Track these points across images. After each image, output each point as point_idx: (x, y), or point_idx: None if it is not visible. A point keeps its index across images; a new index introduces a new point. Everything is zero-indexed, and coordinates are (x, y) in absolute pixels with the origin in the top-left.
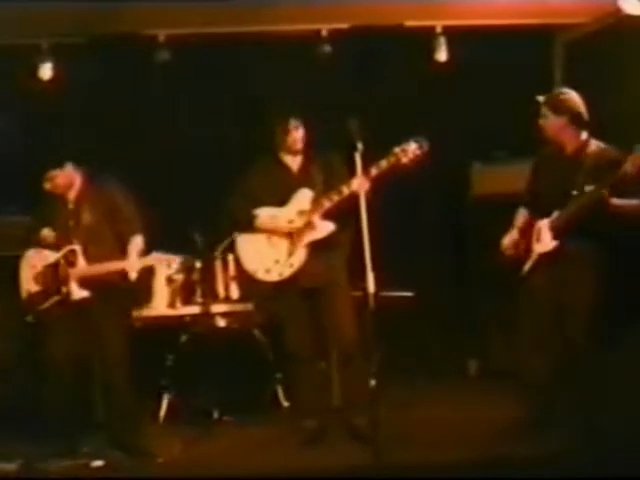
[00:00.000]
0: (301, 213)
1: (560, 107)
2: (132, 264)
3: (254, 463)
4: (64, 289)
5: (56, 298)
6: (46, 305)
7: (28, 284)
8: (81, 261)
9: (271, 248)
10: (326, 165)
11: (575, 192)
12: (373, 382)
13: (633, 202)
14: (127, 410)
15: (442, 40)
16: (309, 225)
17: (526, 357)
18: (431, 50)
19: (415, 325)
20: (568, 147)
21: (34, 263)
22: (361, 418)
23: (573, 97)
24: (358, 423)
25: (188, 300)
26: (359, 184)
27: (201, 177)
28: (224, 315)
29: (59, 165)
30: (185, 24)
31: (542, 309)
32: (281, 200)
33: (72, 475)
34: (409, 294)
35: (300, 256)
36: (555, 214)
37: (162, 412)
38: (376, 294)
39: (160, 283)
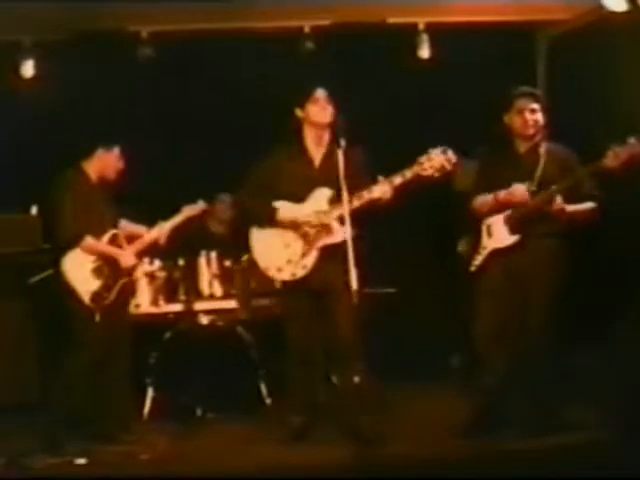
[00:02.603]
0: (318, 213)
1: (544, 106)
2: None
3: (237, 460)
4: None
5: (123, 281)
6: (113, 294)
7: (87, 284)
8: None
9: (285, 247)
10: (349, 160)
11: (533, 188)
12: (357, 379)
13: (583, 207)
14: (121, 403)
15: (424, 37)
16: (326, 228)
17: (486, 352)
18: (414, 47)
19: (398, 320)
20: (525, 145)
21: (81, 262)
22: (356, 417)
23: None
24: (354, 422)
25: (171, 298)
26: (381, 192)
27: (186, 173)
28: (207, 312)
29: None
30: (168, 21)
31: (500, 303)
32: (299, 195)
33: (55, 472)
34: (392, 290)
35: (313, 258)
36: (510, 210)
37: (146, 409)
38: (359, 291)
39: (142, 280)
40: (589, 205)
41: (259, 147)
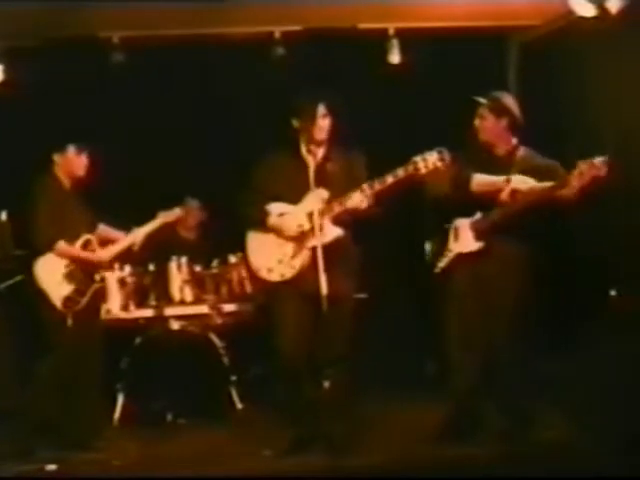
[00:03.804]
0: (311, 214)
1: (502, 110)
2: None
3: (208, 466)
4: (97, 276)
5: (96, 286)
6: (85, 299)
7: (59, 289)
8: (97, 247)
9: (277, 247)
10: (347, 164)
11: (503, 196)
12: (327, 384)
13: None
14: (91, 410)
15: (395, 42)
16: (316, 228)
17: (454, 357)
18: (384, 52)
19: (371, 327)
20: (499, 150)
21: (54, 266)
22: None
23: (512, 101)
24: (326, 430)
25: (142, 303)
26: (355, 201)
27: (156, 178)
28: (178, 318)
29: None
30: (139, 26)
31: (467, 309)
32: (295, 197)
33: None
34: (363, 296)
35: (304, 259)
36: (478, 215)
37: (116, 415)
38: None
39: (112, 285)
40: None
41: (231, 151)
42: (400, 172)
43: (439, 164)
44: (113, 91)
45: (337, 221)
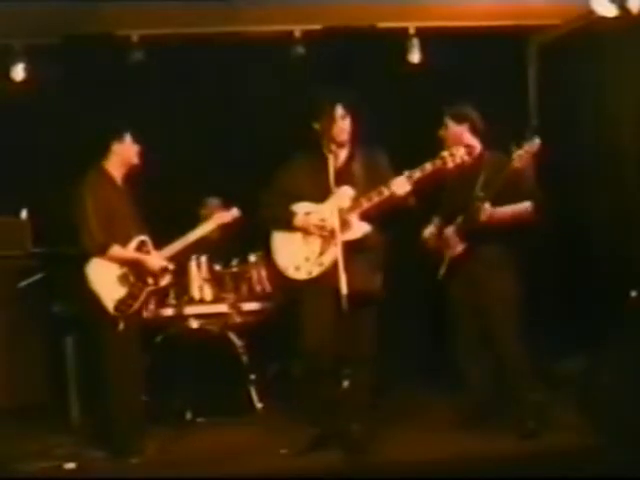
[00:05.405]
0: (338, 211)
1: (461, 116)
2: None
3: (227, 465)
4: (150, 280)
5: (150, 289)
6: (138, 303)
7: (112, 292)
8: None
9: (304, 245)
10: (370, 163)
11: (480, 194)
12: (346, 384)
13: (516, 208)
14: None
15: (415, 42)
16: (344, 224)
17: (462, 359)
18: (404, 52)
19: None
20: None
21: (107, 268)
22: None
23: (470, 109)
24: (344, 427)
25: (162, 302)
26: (399, 186)
27: (176, 180)
28: (198, 317)
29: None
30: (159, 25)
31: (462, 312)
32: (320, 197)
33: (44, 477)
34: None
35: (331, 255)
36: (459, 219)
37: None
38: (357, 293)
39: None
40: (524, 205)
41: (250, 150)
42: (428, 166)
43: (466, 158)
44: (132, 90)
45: (365, 218)
